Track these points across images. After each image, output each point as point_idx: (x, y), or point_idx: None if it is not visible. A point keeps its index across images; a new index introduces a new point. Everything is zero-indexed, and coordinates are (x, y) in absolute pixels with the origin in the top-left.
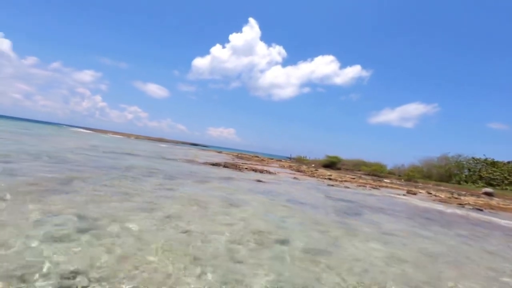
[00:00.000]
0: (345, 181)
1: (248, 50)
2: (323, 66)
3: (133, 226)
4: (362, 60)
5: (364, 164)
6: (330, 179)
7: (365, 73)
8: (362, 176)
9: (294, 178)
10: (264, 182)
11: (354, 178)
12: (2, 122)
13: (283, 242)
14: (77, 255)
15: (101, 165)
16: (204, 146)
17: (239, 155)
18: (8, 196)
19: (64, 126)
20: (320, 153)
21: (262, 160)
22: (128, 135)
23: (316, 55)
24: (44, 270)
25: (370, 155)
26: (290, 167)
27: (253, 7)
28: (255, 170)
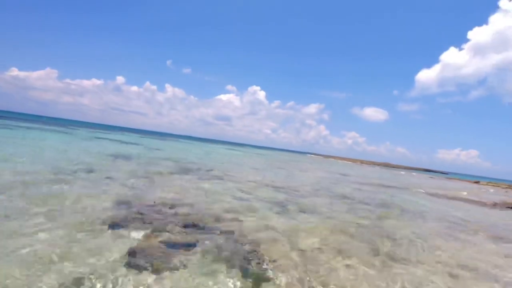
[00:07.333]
0: None
1: (500, 43)
2: None
3: None
4: None
5: None
6: None
7: None
8: None
9: None
10: None
11: None
12: (271, 153)
13: None
14: None
15: (374, 202)
16: (443, 173)
17: None
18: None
19: (308, 154)
20: None
21: None
22: (354, 160)
23: None
24: None
25: None
26: None
27: None
28: None
